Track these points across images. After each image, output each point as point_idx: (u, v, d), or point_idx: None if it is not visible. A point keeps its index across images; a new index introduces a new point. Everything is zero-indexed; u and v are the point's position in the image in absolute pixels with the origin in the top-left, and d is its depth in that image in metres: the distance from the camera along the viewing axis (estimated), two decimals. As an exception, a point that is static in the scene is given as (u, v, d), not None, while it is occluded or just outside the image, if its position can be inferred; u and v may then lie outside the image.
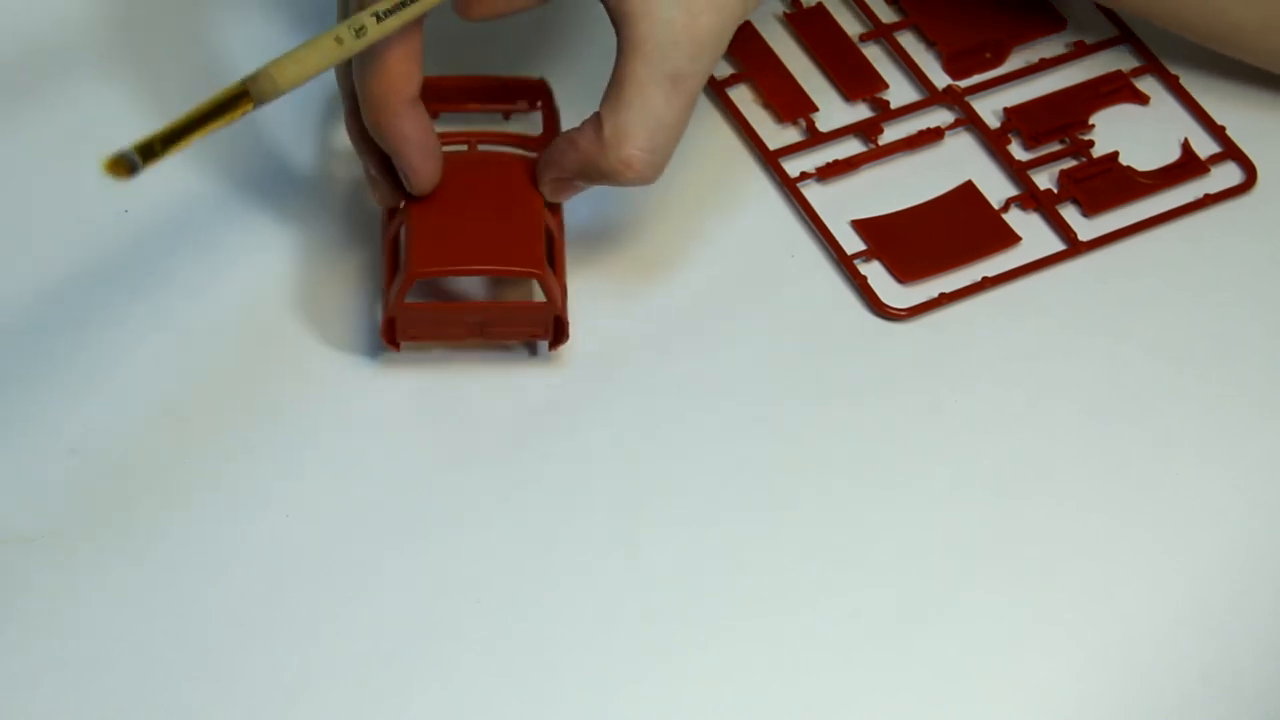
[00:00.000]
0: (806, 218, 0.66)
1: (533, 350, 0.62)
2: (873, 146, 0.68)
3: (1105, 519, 0.60)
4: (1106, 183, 0.68)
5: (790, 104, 0.69)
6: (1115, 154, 0.68)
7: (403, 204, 0.61)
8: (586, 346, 0.62)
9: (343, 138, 0.63)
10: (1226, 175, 0.68)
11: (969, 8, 0.72)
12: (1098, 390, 0.62)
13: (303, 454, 0.60)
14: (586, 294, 0.63)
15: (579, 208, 0.64)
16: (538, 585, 0.57)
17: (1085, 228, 0.67)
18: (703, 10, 0.58)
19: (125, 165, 0.51)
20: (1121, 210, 0.67)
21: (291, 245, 0.64)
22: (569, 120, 0.60)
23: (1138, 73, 0.71)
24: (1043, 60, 0.71)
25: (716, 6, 0.58)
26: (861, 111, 0.70)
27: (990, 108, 0.70)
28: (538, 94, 0.65)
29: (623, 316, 0.63)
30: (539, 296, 0.61)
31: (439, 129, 0.61)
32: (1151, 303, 0.65)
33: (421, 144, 0.59)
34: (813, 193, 0.67)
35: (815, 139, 0.68)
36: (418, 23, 0.58)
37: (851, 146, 0.68)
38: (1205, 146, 0.69)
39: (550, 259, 0.60)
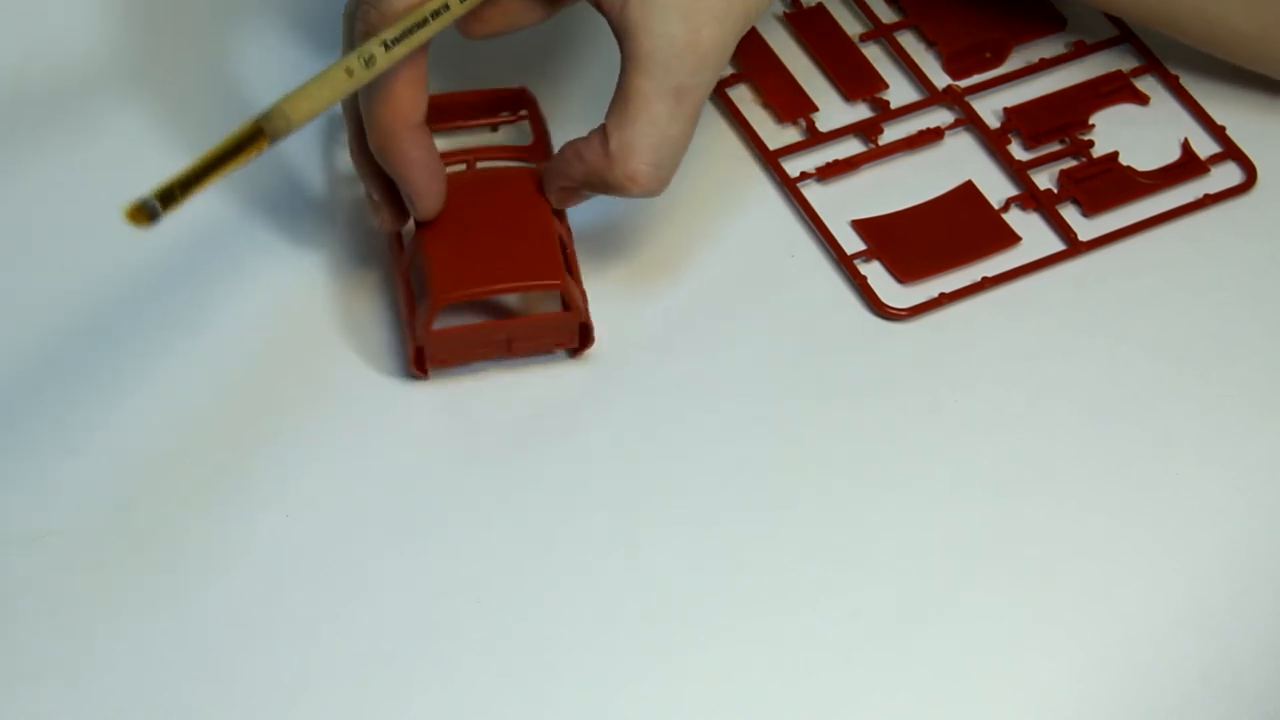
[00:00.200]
0: (806, 218, 0.66)
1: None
2: (873, 146, 0.68)
3: (1105, 519, 0.60)
4: (1106, 183, 0.68)
5: (790, 104, 0.69)
6: (1115, 154, 0.68)
7: (413, 230, 0.61)
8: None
9: (347, 160, 0.63)
10: (1226, 175, 0.68)
11: (969, 8, 0.72)
12: (1098, 390, 0.62)
13: (302, 454, 0.60)
14: (587, 295, 0.63)
15: (579, 208, 0.64)
16: (538, 585, 0.57)
17: (1085, 228, 0.67)
18: (705, 23, 0.57)
19: (146, 213, 0.51)
20: (1121, 210, 0.67)
21: (288, 249, 0.64)
22: (572, 134, 0.60)
23: (1138, 73, 0.71)
24: (1043, 60, 0.71)
25: (718, 19, 0.58)
26: (861, 111, 0.70)
27: (990, 108, 0.70)
28: (521, 103, 0.65)
29: (623, 316, 0.63)
30: (553, 305, 0.62)
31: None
32: (1151, 303, 0.65)
33: (427, 168, 0.60)
34: (813, 193, 0.67)
35: (815, 139, 0.68)
36: (423, 48, 0.58)
37: (851, 146, 0.68)
38: (1205, 146, 0.69)
39: (567, 266, 0.61)
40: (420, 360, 0.60)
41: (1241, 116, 0.69)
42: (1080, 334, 0.64)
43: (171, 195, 0.51)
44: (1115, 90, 0.70)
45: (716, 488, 0.60)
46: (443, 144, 0.63)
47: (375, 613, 0.57)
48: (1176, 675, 0.57)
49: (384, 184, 0.61)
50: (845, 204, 0.67)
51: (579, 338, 0.61)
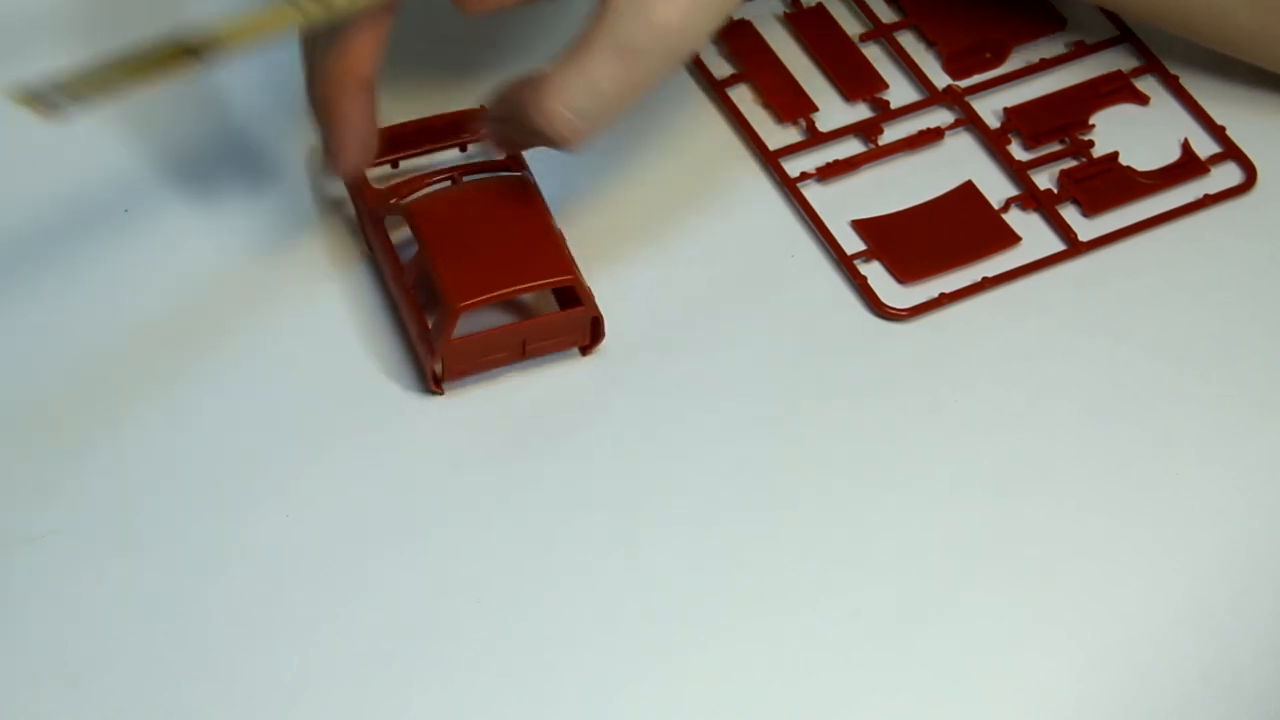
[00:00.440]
0: (806, 218, 0.66)
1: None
2: (873, 146, 0.68)
3: (1105, 519, 0.60)
4: (1106, 183, 0.68)
5: (790, 104, 0.69)
6: (1115, 154, 0.68)
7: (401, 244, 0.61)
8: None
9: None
10: (1226, 175, 0.68)
11: (969, 8, 0.72)
12: (1098, 390, 0.62)
13: (302, 454, 0.60)
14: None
15: (578, 208, 0.64)
16: (538, 585, 0.57)
17: (1085, 228, 0.67)
18: None
19: (41, 104, 0.49)
20: (1121, 210, 0.67)
21: (283, 251, 0.64)
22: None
23: (1138, 73, 0.71)
24: (1043, 60, 0.71)
25: None
26: (861, 111, 0.70)
27: (990, 108, 0.70)
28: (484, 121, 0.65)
29: (622, 317, 0.63)
30: (554, 307, 0.62)
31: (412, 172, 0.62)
32: (1151, 303, 0.65)
33: (358, 129, 0.59)
34: (813, 193, 0.67)
35: (815, 139, 0.68)
36: (390, 7, 0.57)
37: (851, 146, 0.68)
38: (1205, 146, 0.69)
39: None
40: (438, 376, 0.60)
41: (1241, 116, 0.69)
42: (1080, 334, 0.64)
43: (72, 89, 0.49)
44: (1115, 90, 0.70)
45: (716, 488, 0.60)
46: (424, 164, 0.64)
47: (375, 613, 0.57)
48: (1176, 675, 0.57)
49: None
50: (845, 204, 0.67)
51: (590, 333, 0.61)
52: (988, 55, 0.71)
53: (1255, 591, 0.58)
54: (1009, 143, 0.69)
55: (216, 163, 0.67)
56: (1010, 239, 0.66)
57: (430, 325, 0.60)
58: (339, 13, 0.55)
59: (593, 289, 0.61)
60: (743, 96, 0.70)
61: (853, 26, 0.72)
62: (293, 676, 0.55)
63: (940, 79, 0.70)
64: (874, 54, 0.71)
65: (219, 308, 0.63)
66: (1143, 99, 0.70)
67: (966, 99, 0.70)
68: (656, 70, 0.57)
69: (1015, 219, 0.67)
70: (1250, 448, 0.61)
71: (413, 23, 0.63)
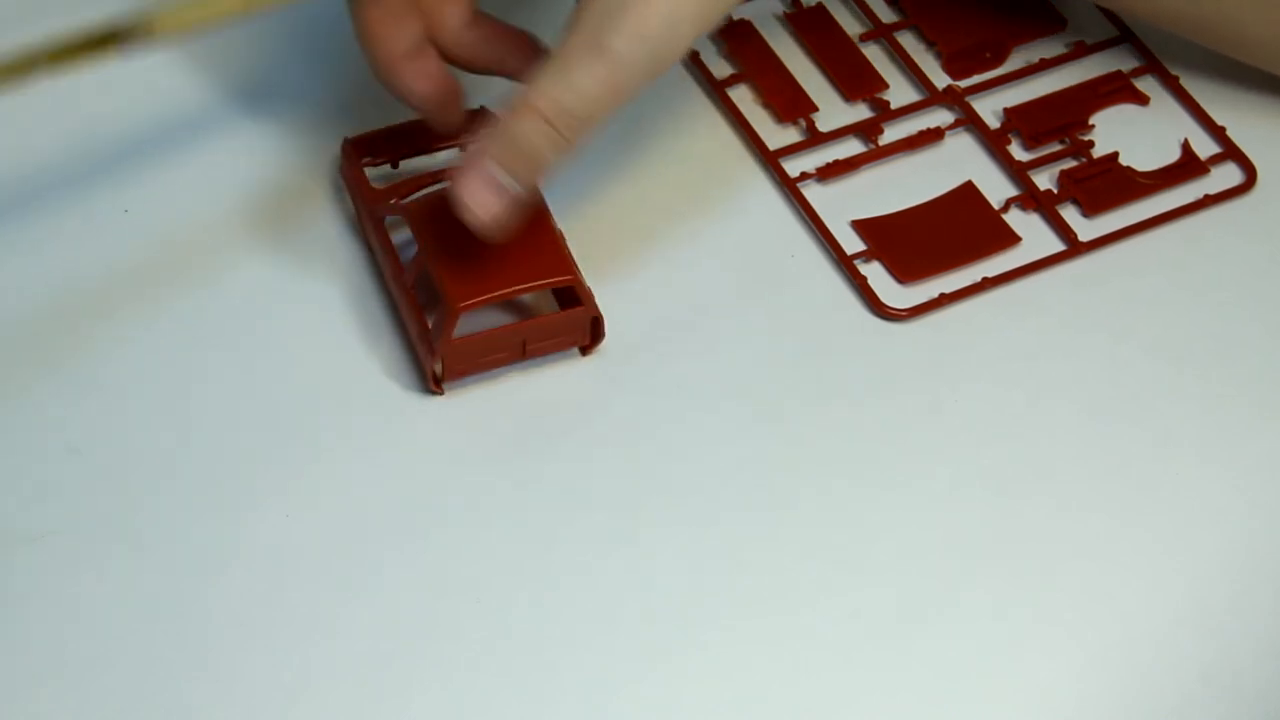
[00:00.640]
0: (806, 218, 0.66)
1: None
2: (873, 146, 0.68)
3: (1105, 519, 0.60)
4: (1106, 183, 0.68)
5: (790, 104, 0.69)
6: (1115, 154, 0.68)
7: (415, 247, 0.61)
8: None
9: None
10: (1226, 175, 0.68)
11: (969, 8, 0.72)
12: (1098, 390, 0.62)
13: (302, 454, 0.60)
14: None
15: (578, 208, 0.64)
16: (538, 585, 0.57)
17: (1085, 228, 0.67)
18: None
19: None
20: (1121, 210, 0.67)
21: (284, 251, 0.64)
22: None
23: (1138, 73, 0.71)
24: (1043, 60, 0.71)
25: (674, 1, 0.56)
26: (861, 111, 0.70)
27: (990, 108, 0.70)
28: (484, 121, 0.65)
29: (622, 317, 0.63)
30: (554, 307, 0.62)
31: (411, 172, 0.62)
32: (1151, 303, 0.65)
33: (432, 94, 0.61)
34: (813, 193, 0.67)
35: (815, 139, 0.68)
36: None
37: (851, 146, 0.68)
38: (1205, 147, 0.69)
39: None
40: (438, 376, 0.60)
41: (1241, 116, 0.69)
42: (1080, 334, 0.64)
43: None
44: (1115, 90, 0.70)
45: (716, 488, 0.60)
46: (424, 164, 0.64)
47: (375, 613, 0.57)
48: (1176, 675, 0.57)
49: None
50: (845, 204, 0.67)
51: (591, 333, 0.61)
52: (988, 55, 0.71)
53: (1255, 591, 0.58)
54: (1009, 143, 0.69)
55: (215, 162, 0.67)
56: (1010, 239, 0.66)
57: (430, 325, 0.60)
58: None
59: (593, 289, 0.61)
60: (743, 96, 0.70)
61: (853, 26, 0.72)
62: (293, 676, 0.55)
63: (940, 79, 0.70)
64: (874, 54, 0.71)
65: (219, 308, 0.63)
66: (1143, 99, 0.70)
67: (966, 99, 0.70)
68: (639, 73, 0.57)
69: (1015, 219, 0.67)
70: (1250, 448, 0.61)
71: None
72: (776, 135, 0.68)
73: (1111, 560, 0.59)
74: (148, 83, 0.69)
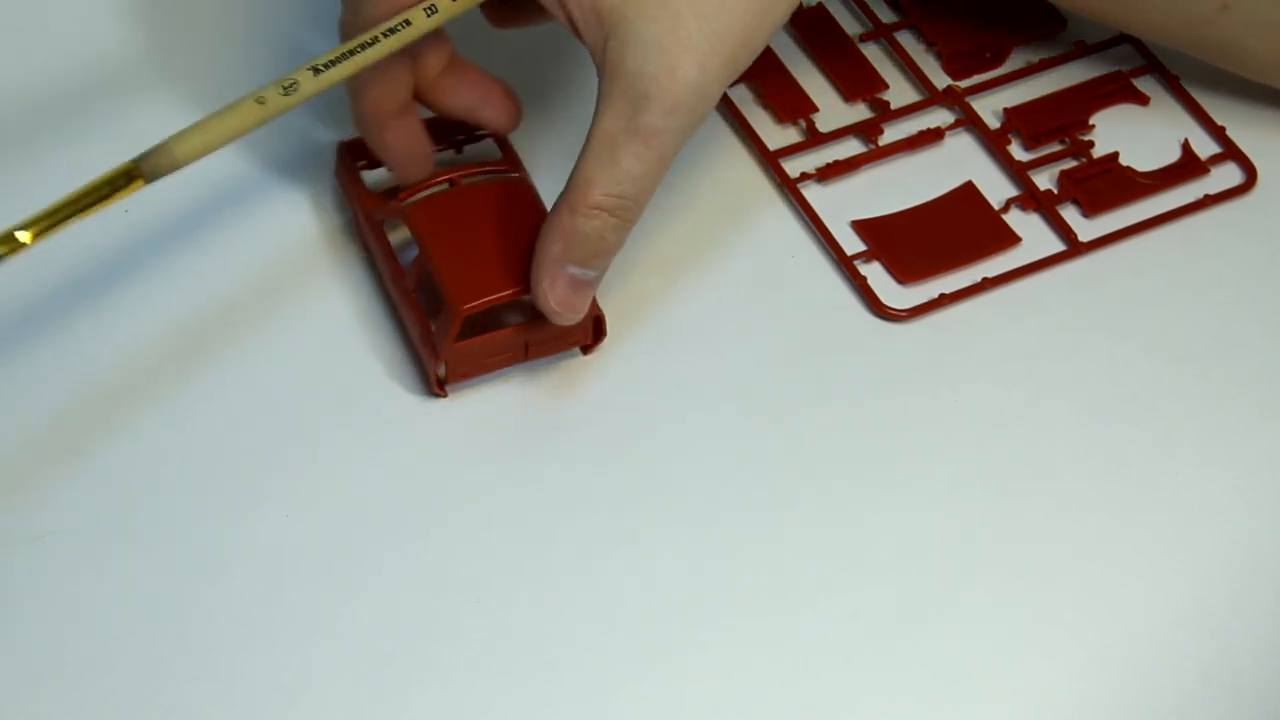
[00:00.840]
0: (806, 218, 0.66)
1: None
2: (873, 147, 0.68)
3: (1105, 519, 0.60)
4: (1106, 183, 0.68)
5: (790, 104, 0.69)
6: (1115, 154, 0.68)
7: (417, 250, 0.61)
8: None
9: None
10: (1226, 175, 0.68)
11: (969, 8, 0.72)
12: (1098, 390, 0.62)
13: (302, 455, 0.60)
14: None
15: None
16: (538, 585, 0.57)
17: (1085, 228, 0.67)
18: (682, 65, 0.56)
19: None
20: (1121, 210, 0.67)
21: (282, 251, 0.64)
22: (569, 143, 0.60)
23: (1138, 73, 0.71)
24: (1043, 60, 0.71)
25: (699, 63, 0.56)
26: (861, 111, 0.70)
27: (990, 108, 0.70)
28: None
29: (622, 317, 0.63)
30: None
31: None
32: (1151, 303, 0.65)
33: (406, 153, 0.62)
34: (813, 193, 0.67)
35: (815, 139, 0.68)
36: (395, 61, 0.58)
37: (851, 147, 0.68)
38: (1205, 147, 0.69)
39: None
40: (441, 379, 0.60)
41: (1241, 116, 0.69)
42: (1080, 334, 0.64)
43: (13, 240, 0.51)
44: (1115, 90, 0.70)
45: (716, 488, 0.60)
46: None
47: (375, 613, 0.57)
48: (1176, 675, 0.57)
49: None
50: (845, 204, 0.67)
51: (592, 333, 0.61)
52: (988, 55, 0.71)
53: (1255, 591, 0.58)
54: (1009, 143, 0.69)
55: (215, 164, 0.67)
56: (1010, 239, 0.66)
57: (434, 328, 0.60)
58: (305, 95, 0.56)
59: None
60: (743, 96, 0.70)
61: (853, 26, 0.72)
62: (293, 676, 0.55)
63: (940, 79, 0.70)
64: (874, 54, 0.71)
65: (218, 308, 0.63)
66: (1143, 99, 0.70)
67: (966, 99, 0.70)
68: (679, 139, 0.58)
69: (1015, 219, 0.67)
70: (1250, 448, 0.61)
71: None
72: (776, 135, 0.68)
73: (1111, 560, 0.59)
74: (148, 83, 0.69)
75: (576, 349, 0.62)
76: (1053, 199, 0.67)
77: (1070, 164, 0.68)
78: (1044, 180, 0.68)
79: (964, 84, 0.70)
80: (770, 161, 0.68)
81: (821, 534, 0.59)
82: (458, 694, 0.55)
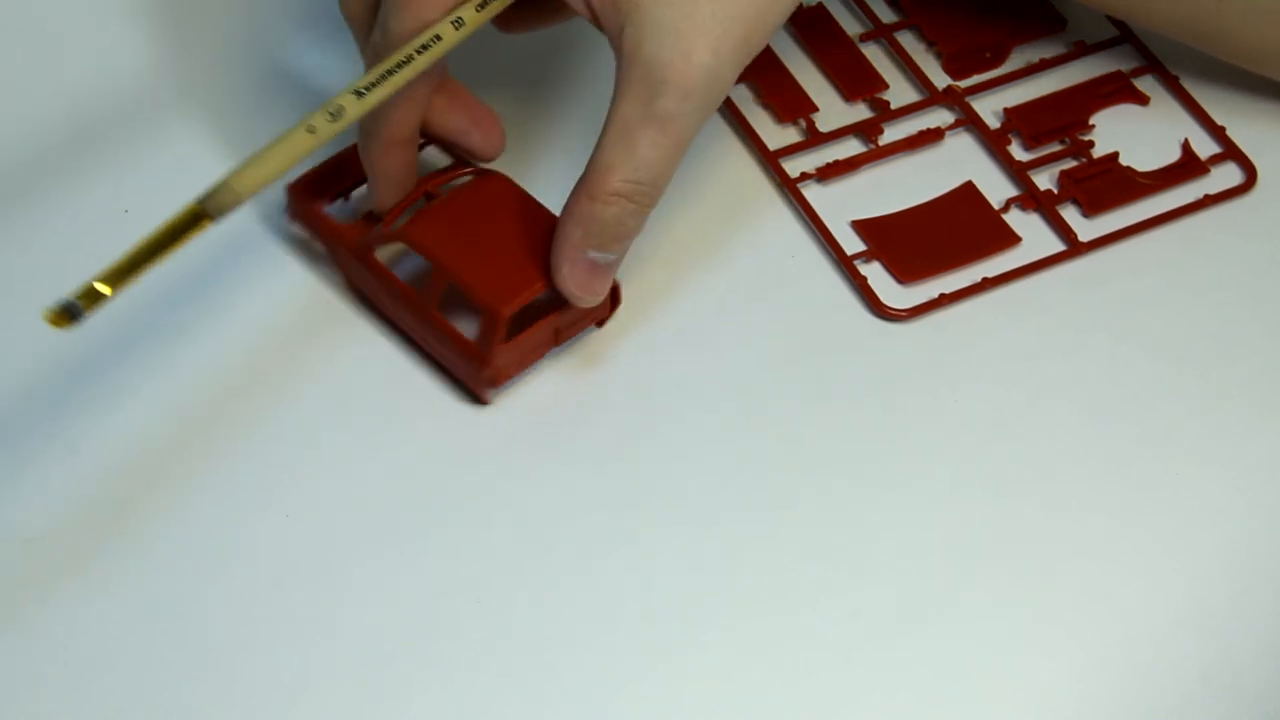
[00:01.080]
0: (806, 218, 0.66)
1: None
2: (873, 147, 0.68)
3: (1105, 519, 0.60)
4: (1106, 183, 0.68)
5: (790, 104, 0.69)
6: (1115, 154, 0.68)
7: (431, 266, 0.60)
8: (586, 347, 0.63)
9: None
10: (1226, 175, 0.68)
11: (969, 8, 0.72)
12: (1098, 390, 0.62)
13: (302, 454, 0.60)
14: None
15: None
16: (538, 585, 0.57)
17: (1085, 228, 0.67)
18: (697, 49, 0.56)
19: (66, 315, 0.51)
20: (1121, 210, 0.67)
21: (279, 247, 0.64)
22: (574, 144, 0.60)
23: (1138, 73, 0.71)
24: (1043, 60, 0.71)
25: (713, 46, 0.56)
26: (861, 111, 0.70)
27: (990, 108, 0.70)
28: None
29: (623, 317, 0.63)
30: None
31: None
32: (1151, 303, 0.65)
33: (395, 182, 0.61)
34: (813, 193, 0.67)
35: (815, 139, 0.68)
36: (424, 85, 0.58)
37: (851, 146, 0.68)
38: (1205, 147, 0.69)
39: None
40: (493, 382, 0.60)
41: (1241, 116, 0.69)
42: (1080, 334, 0.64)
43: (96, 294, 0.52)
44: (1115, 90, 0.70)
45: (716, 488, 0.60)
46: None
47: (375, 613, 0.57)
48: (1176, 675, 0.57)
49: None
50: (845, 204, 0.67)
51: (610, 304, 0.62)
52: (988, 55, 0.71)
53: (1255, 591, 0.58)
54: (1009, 143, 0.69)
55: (214, 164, 0.67)
56: (1010, 239, 0.66)
57: (474, 338, 0.60)
58: (351, 120, 0.56)
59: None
60: (743, 96, 0.70)
61: (853, 26, 0.72)
62: (293, 676, 0.55)
63: (940, 79, 0.70)
64: (874, 54, 0.71)
65: (216, 308, 0.63)
66: (1143, 99, 0.70)
67: (966, 99, 0.70)
68: (695, 124, 0.58)
69: (1015, 219, 0.67)
70: (1250, 448, 0.61)
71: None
72: (776, 135, 0.68)
73: (1111, 560, 0.59)
74: (148, 85, 0.69)
75: (593, 326, 0.62)
76: (1053, 199, 0.67)
77: (1070, 164, 0.68)
78: (1044, 180, 0.68)
79: (964, 84, 0.70)
80: (770, 161, 0.68)
81: (821, 534, 0.59)
82: (458, 694, 0.55)
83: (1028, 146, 0.69)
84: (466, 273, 0.60)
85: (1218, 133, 0.69)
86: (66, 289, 0.63)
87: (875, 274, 0.65)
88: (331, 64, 0.69)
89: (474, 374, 0.60)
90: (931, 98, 0.70)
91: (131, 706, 0.55)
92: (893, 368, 0.63)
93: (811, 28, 0.72)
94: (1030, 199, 0.67)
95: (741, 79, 0.70)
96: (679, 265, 0.65)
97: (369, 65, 0.60)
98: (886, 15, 0.72)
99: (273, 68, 0.69)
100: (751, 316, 0.64)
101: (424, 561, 0.58)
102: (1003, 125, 0.69)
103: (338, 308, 0.63)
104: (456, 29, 0.58)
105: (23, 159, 0.67)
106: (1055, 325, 0.64)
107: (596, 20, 0.58)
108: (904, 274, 0.65)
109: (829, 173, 0.67)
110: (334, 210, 0.64)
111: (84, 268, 0.63)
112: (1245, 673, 0.57)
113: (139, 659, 0.55)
